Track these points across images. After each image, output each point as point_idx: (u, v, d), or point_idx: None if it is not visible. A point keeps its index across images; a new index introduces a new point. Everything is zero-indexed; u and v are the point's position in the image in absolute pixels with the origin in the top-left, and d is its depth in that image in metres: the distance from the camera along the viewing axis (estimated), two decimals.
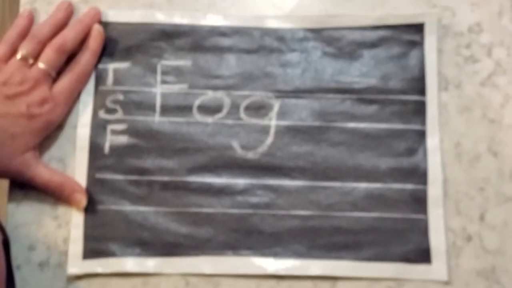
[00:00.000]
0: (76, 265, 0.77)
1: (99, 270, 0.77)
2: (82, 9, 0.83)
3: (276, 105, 0.80)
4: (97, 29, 0.81)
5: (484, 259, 0.76)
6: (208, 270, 0.76)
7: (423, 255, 0.76)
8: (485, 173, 0.79)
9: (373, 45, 0.81)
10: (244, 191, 0.78)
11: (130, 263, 0.77)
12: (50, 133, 0.79)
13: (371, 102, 0.80)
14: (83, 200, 0.77)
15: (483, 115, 0.80)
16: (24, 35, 0.80)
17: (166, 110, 0.80)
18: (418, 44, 0.81)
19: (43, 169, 0.77)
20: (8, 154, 0.75)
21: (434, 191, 0.78)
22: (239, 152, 0.79)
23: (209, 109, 0.80)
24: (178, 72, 0.81)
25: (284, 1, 0.84)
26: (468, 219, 0.78)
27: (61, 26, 0.81)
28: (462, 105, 0.80)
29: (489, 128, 0.80)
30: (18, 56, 0.78)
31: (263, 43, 0.82)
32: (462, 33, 0.82)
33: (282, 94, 0.80)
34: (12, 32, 0.80)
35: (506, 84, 0.81)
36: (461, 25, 0.83)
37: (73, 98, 0.80)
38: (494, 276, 0.76)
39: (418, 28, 0.81)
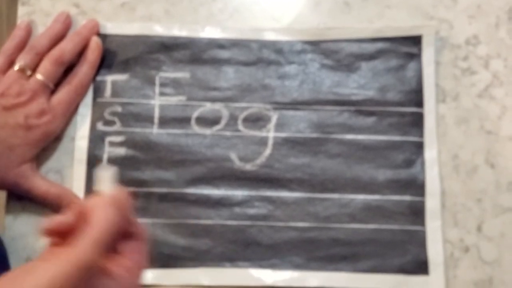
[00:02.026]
0: None
1: None
2: (80, 21, 0.83)
3: (274, 117, 0.80)
4: (95, 41, 0.81)
5: (481, 270, 0.77)
6: (206, 282, 0.76)
7: (421, 267, 0.76)
8: (483, 184, 0.79)
9: (371, 57, 0.82)
10: (242, 202, 0.78)
11: None
12: (48, 144, 0.79)
13: (369, 114, 0.80)
14: None
15: (480, 127, 0.80)
16: (22, 46, 0.80)
17: (164, 122, 0.80)
18: (416, 56, 0.81)
19: (41, 180, 0.77)
20: (5, 165, 0.75)
21: (432, 202, 0.78)
22: (237, 163, 0.79)
23: (208, 121, 0.80)
24: (176, 84, 0.81)
25: (283, 13, 0.84)
26: (466, 230, 0.78)
27: (59, 38, 0.81)
28: (459, 116, 0.81)
29: (486, 139, 0.80)
30: (16, 67, 0.78)
31: (261, 55, 0.82)
32: (460, 45, 0.83)
33: (280, 106, 0.80)
34: (10, 44, 0.80)
35: (503, 96, 0.81)
36: (458, 37, 0.83)
37: (71, 110, 0.80)
38: (492, 287, 0.76)
39: (416, 41, 0.82)
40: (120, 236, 0.58)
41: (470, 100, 0.81)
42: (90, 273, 0.53)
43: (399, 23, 0.83)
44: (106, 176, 0.60)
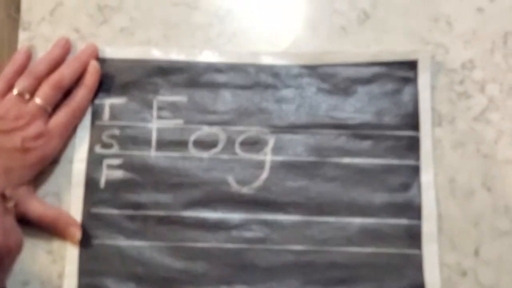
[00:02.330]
0: None
1: None
2: (80, 46, 0.83)
3: (271, 140, 0.80)
4: (93, 65, 0.81)
5: None
6: None
7: None
8: (480, 208, 0.79)
9: (367, 81, 0.82)
10: (239, 226, 0.78)
11: None
12: (45, 167, 0.79)
13: (366, 137, 0.80)
14: (77, 234, 0.77)
15: (477, 151, 0.80)
16: (21, 71, 0.80)
17: (162, 145, 0.80)
18: (412, 80, 0.82)
19: (37, 203, 0.77)
20: (2, 187, 0.75)
21: (428, 226, 0.78)
22: (234, 187, 0.79)
23: (205, 144, 0.80)
24: (174, 108, 0.81)
25: (280, 38, 0.85)
26: (463, 254, 0.78)
27: (58, 62, 0.81)
28: (456, 140, 0.81)
29: (483, 163, 0.80)
30: (15, 91, 0.78)
31: (258, 79, 0.82)
32: (455, 70, 0.83)
33: (277, 129, 0.81)
34: (10, 68, 0.80)
35: (499, 120, 0.81)
36: (454, 61, 0.83)
37: (69, 133, 0.80)
38: None
39: (412, 65, 0.82)
40: None
41: (466, 124, 0.81)
42: None
43: (395, 48, 0.83)
44: None
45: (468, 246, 0.78)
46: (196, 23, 0.85)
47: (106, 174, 0.80)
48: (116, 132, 0.81)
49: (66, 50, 0.83)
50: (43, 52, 0.83)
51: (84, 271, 0.77)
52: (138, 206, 0.79)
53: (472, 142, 0.81)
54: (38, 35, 0.85)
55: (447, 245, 0.78)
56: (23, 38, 0.85)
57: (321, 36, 0.85)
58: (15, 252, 0.68)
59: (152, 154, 0.80)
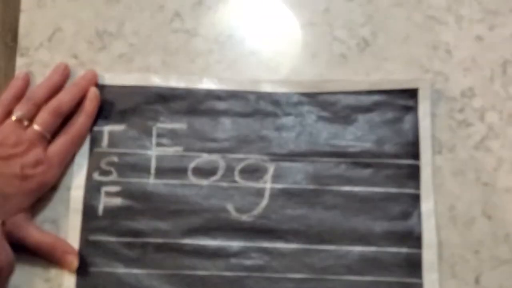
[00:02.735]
0: None
1: None
2: (79, 72, 0.83)
3: (271, 168, 0.80)
4: (93, 92, 0.81)
5: None
6: None
7: None
8: (480, 236, 0.79)
9: (367, 109, 0.82)
10: (239, 253, 0.78)
11: None
12: (43, 194, 0.79)
13: (366, 166, 0.80)
14: (74, 262, 0.77)
15: (477, 179, 0.80)
16: (19, 97, 0.80)
17: (161, 172, 0.80)
18: (412, 109, 0.82)
19: (34, 230, 0.77)
20: (0, 214, 0.75)
21: (429, 255, 0.77)
22: (234, 214, 0.79)
23: (204, 172, 0.80)
24: (173, 135, 0.81)
25: (280, 65, 0.85)
26: (464, 283, 0.77)
27: (57, 88, 0.81)
28: (456, 168, 0.81)
29: (483, 191, 0.80)
30: (13, 117, 0.78)
31: (258, 107, 0.82)
32: (455, 98, 0.83)
33: (277, 157, 0.80)
34: (8, 94, 0.80)
35: (498, 148, 0.81)
36: (453, 89, 0.83)
37: (68, 160, 0.80)
38: None
39: (412, 93, 0.82)
40: None
41: (466, 152, 0.81)
42: None
43: (395, 76, 0.84)
44: None
45: (469, 274, 0.78)
46: (196, 50, 0.85)
47: (104, 201, 0.79)
48: (115, 159, 0.80)
49: (65, 76, 0.83)
50: (41, 78, 0.83)
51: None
52: (136, 233, 0.78)
53: (472, 170, 0.81)
54: (36, 61, 0.84)
55: (447, 273, 0.77)
56: (20, 64, 0.84)
57: (321, 64, 0.85)
58: (6, 272, 0.68)
59: (151, 182, 0.80)
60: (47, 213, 0.79)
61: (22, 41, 0.85)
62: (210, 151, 0.81)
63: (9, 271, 0.68)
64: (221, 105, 0.82)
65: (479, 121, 0.82)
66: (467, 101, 0.83)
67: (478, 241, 0.79)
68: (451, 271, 0.77)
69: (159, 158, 0.80)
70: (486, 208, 0.80)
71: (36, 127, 0.78)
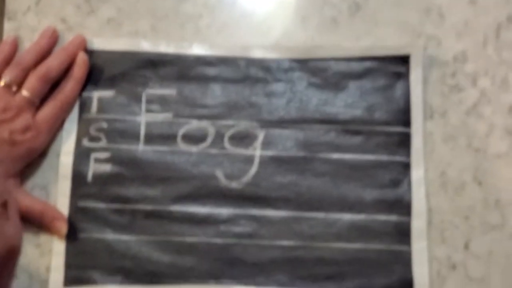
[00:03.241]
0: None
1: None
2: (67, 37, 0.83)
3: (261, 135, 0.80)
4: (81, 57, 0.80)
5: None
6: None
7: (406, 287, 0.76)
8: (470, 202, 0.79)
9: (358, 76, 0.81)
10: (228, 220, 0.78)
11: None
12: (32, 160, 0.79)
13: (356, 133, 0.80)
14: (63, 228, 0.77)
15: (468, 144, 0.80)
16: (7, 62, 0.79)
17: (150, 138, 0.80)
18: (404, 75, 0.81)
19: (24, 196, 0.77)
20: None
21: (418, 223, 0.77)
22: (223, 181, 0.79)
23: (194, 138, 0.80)
24: (163, 101, 0.81)
25: (270, 29, 0.84)
26: (453, 248, 0.77)
27: (45, 53, 0.81)
28: (447, 134, 0.80)
29: (474, 157, 0.80)
30: (1, 83, 0.77)
31: (248, 73, 0.82)
32: (447, 62, 0.83)
33: (267, 124, 0.80)
34: None
35: (490, 114, 0.81)
36: (446, 54, 0.83)
37: (57, 126, 0.80)
38: None
39: (404, 60, 0.82)
40: None
41: (458, 117, 0.81)
42: None
43: (386, 40, 0.83)
44: None
45: (458, 240, 0.78)
46: (185, 14, 0.84)
47: (93, 168, 0.79)
48: (104, 125, 0.80)
49: (53, 40, 0.82)
50: (29, 42, 0.82)
51: (70, 265, 0.77)
52: (125, 200, 0.78)
53: (463, 135, 0.80)
54: (24, 26, 0.84)
55: (437, 239, 0.78)
56: (8, 28, 0.84)
57: (311, 28, 0.84)
58: (19, 250, 0.67)
59: (140, 148, 0.79)
60: (36, 179, 0.79)
61: (10, 5, 0.84)
62: (200, 117, 0.80)
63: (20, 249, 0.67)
64: (211, 71, 0.82)
65: (471, 86, 0.82)
66: (460, 65, 0.83)
67: (469, 207, 0.79)
68: (441, 237, 0.78)
69: (149, 125, 0.80)
70: (477, 174, 0.79)
71: (24, 92, 0.77)
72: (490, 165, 0.80)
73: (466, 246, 0.78)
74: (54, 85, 0.80)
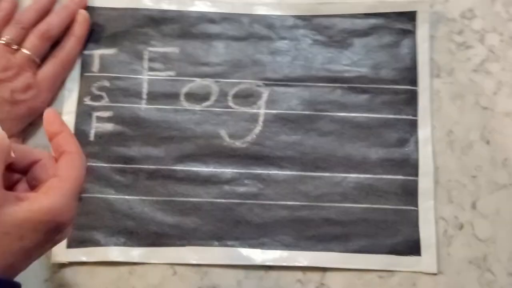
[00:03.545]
0: (60, 254, 0.76)
1: (83, 259, 0.76)
2: None
3: (265, 93, 0.79)
4: (82, 15, 0.80)
5: (476, 247, 0.76)
6: (194, 261, 0.76)
7: (412, 247, 0.76)
8: (478, 161, 0.78)
9: (364, 33, 0.81)
10: (232, 180, 0.77)
11: (115, 252, 0.76)
12: (34, 119, 0.78)
13: (362, 91, 0.79)
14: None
15: (475, 102, 0.79)
16: (7, 19, 0.78)
17: (153, 97, 0.79)
18: (410, 33, 0.80)
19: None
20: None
21: (425, 182, 0.77)
22: (227, 140, 0.78)
23: (197, 97, 0.79)
24: (165, 59, 0.80)
25: None
26: (460, 208, 0.77)
27: (46, 11, 0.80)
28: (454, 92, 0.80)
29: (481, 115, 0.79)
30: (2, 41, 0.76)
31: (252, 30, 0.81)
32: (455, 19, 0.82)
33: (271, 82, 0.79)
34: None
35: (498, 71, 0.80)
36: (453, 11, 0.82)
37: (58, 85, 0.79)
38: (486, 264, 0.76)
39: (410, 17, 0.81)
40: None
41: (466, 75, 0.80)
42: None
43: None
44: None
45: (465, 199, 0.77)
46: None
47: (95, 127, 0.79)
48: (106, 84, 0.80)
49: None
50: (28, 1, 0.81)
51: (73, 225, 0.76)
52: (128, 159, 0.78)
53: (471, 93, 0.80)
54: None
55: (444, 198, 0.77)
56: None
57: None
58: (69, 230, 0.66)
59: (143, 107, 0.79)
60: (38, 139, 0.79)
61: None
62: (203, 75, 0.80)
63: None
64: (214, 29, 0.81)
65: (479, 44, 0.81)
66: (467, 22, 0.82)
67: (476, 166, 0.78)
68: (448, 196, 0.77)
69: (151, 83, 0.79)
70: (484, 133, 0.79)
71: (25, 51, 0.77)
72: (498, 123, 0.79)
73: (473, 206, 0.77)
74: (55, 43, 0.79)
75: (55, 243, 0.59)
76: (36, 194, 0.56)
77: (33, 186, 0.59)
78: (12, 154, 0.57)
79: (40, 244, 0.56)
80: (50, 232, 0.56)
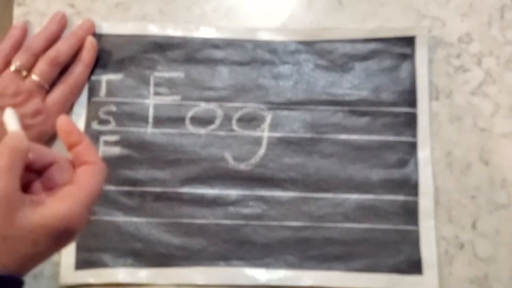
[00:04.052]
0: (69, 276, 0.77)
1: (91, 280, 0.77)
2: (76, 21, 0.83)
3: (269, 116, 0.80)
4: (90, 41, 0.81)
5: (476, 267, 0.77)
6: (200, 281, 0.76)
7: (414, 266, 0.76)
8: (477, 181, 0.79)
9: (364, 57, 0.82)
10: (237, 202, 0.78)
11: (122, 273, 0.77)
12: (43, 144, 0.78)
13: (363, 114, 0.80)
14: None
15: (473, 124, 0.81)
16: (18, 47, 0.80)
17: (159, 121, 0.80)
18: (409, 56, 0.82)
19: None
20: None
21: (425, 202, 0.78)
22: (232, 163, 0.79)
23: (202, 121, 0.80)
24: (171, 84, 0.81)
25: (276, 12, 0.84)
26: (460, 227, 0.78)
27: (55, 38, 0.81)
28: (453, 114, 0.81)
29: (480, 137, 0.80)
30: (12, 68, 0.78)
31: (255, 55, 0.82)
32: (452, 43, 0.83)
33: (274, 106, 0.81)
34: (6, 44, 0.80)
35: (496, 94, 0.81)
36: (451, 35, 0.83)
37: (66, 110, 0.80)
38: (487, 284, 0.77)
39: (409, 41, 0.82)
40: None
41: (463, 98, 0.81)
42: None
43: (392, 22, 0.83)
44: (10, 117, 0.60)
45: (466, 219, 0.78)
46: None
47: (103, 151, 0.80)
48: (113, 108, 0.81)
49: (62, 25, 0.82)
50: (38, 27, 0.83)
51: (81, 247, 0.77)
52: (135, 182, 0.79)
53: (469, 115, 0.81)
54: (33, 10, 0.84)
55: (444, 218, 0.78)
56: (18, 13, 0.84)
57: (317, 10, 0.84)
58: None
59: (149, 131, 0.80)
60: None
61: None
62: (208, 99, 0.81)
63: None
64: (218, 54, 0.82)
65: (476, 67, 0.82)
66: (465, 46, 0.83)
67: (475, 186, 0.79)
68: (448, 217, 0.78)
69: (157, 107, 0.81)
70: (483, 154, 0.80)
71: (34, 77, 0.78)
72: (496, 144, 0.80)
73: (473, 226, 0.78)
74: (63, 69, 0.80)
75: (63, 247, 0.60)
76: (51, 199, 0.57)
77: (47, 187, 0.59)
78: (30, 156, 0.58)
79: (51, 249, 0.57)
80: (61, 238, 0.57)
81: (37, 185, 0.60)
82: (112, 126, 0.80)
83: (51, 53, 0.79)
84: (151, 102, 0.81)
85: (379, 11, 0.84)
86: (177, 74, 0.82)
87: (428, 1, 0.84)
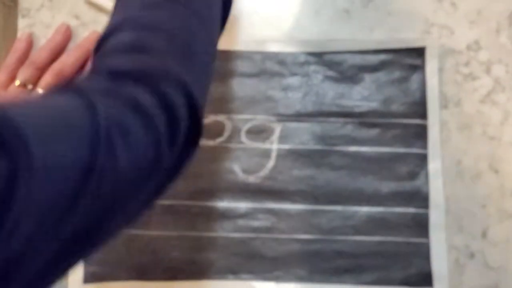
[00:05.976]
0: None
1: None
2: (81, 33, 0.83)
3: (278, 128, 0.80)
4: None
5: (487, 276, 0.77)
6: None
7: (425, 279, 0.76)
8: (487, 190, 0.79)
9: (374, 69, 0.81)
10: (246, 215, 0.78)
11: (131, 287, 0.77)
12: None
13: (373, 125, 0.80)
14: None
15: (483, 132, 0.80)
16: (23, 60, 0.79)
17: None
18: (419, 67, 0.81)
19: None
20: None
21: (435, 215, 0.78)
22: (241, 176, 0.79)
23: (211, 133, 0.80)
24: None
25: (283, 21, 0.84)
26: (471, 236, 0.78)
27: (60, 50, 0.81)
28: (462, 122, 0.81)
29: (489, 145, 0.80)
30: (17, 82, 0.77)
31: (264, 67, 0.82)
32: (461, 51, 0.82)
33: (284, 117, 0.80)
34: (11, 58, 0.79)
35: (505, 101, 0.81)
36: (459, 43, 0.83)
37: None
38: None
39: (419, 52, 0.81)
40: None
41: (473, 106, 0.81)
42: None
43: (400, 30, 0.83)
44: None
45: (476, 228, 0.78)
46: None
47: None
48: None
49: (67, 37, 0.82)
50: (43, 39, 0.82)
51: (89, 262, 0.77)
52: None
53: (478, 124, 0.81)
54: (38, 22, 0.84)
55: (455, 228, 0.78)
56: (22, 25, 0.84)
57: (324, 20, 0.84)
58: None
59: None
60: None
61: (24, 2, 0.84)
62: (216, 111, 0.81)
63: None
64: (226, 65, 0.82)
65: (485, 75, 0.82)
66: (473, 54, 0.82)
67: (485, 195, 0.79)
68: (458, 226, 0.78)
69: None
70: (493, 162, 0.80)
71: (40, 91, 0.78)
72: (505, 152, 0.80)
73: (484, 234, 0.78)
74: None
75: None
76: None
77: None
78: None
79: None
80: None
81: None
82: None
83: (56, 66, 0.79)
84: None
85: (387, 20, 0.83)
86: None
87: (436, 9, 0.83)
